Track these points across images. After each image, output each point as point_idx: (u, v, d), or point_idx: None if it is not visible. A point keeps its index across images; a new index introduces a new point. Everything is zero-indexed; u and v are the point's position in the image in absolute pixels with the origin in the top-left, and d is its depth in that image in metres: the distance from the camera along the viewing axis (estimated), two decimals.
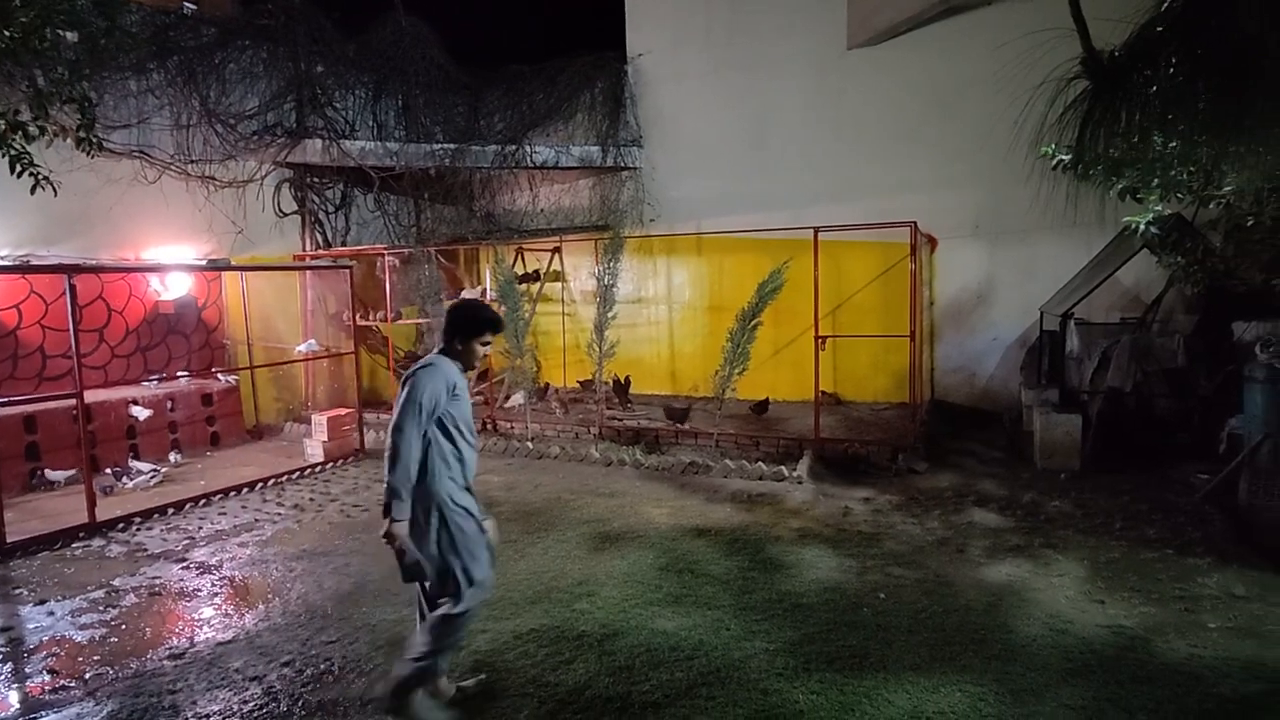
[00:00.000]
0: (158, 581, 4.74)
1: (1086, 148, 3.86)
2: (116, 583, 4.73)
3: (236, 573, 4.87)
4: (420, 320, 9.57)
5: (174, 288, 8.29)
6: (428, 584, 3.06)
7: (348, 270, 8.41)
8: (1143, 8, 3.62)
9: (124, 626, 4.14)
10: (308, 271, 9.57)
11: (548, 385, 9.93)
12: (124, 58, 7.09)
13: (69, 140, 5.38)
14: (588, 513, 5.75)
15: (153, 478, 6.82)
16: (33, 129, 4.88)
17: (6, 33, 4.60)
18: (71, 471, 6.70)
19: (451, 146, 9.55)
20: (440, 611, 2.99)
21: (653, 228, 10.13)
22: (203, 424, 8.19)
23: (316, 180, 9.76)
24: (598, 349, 7.99)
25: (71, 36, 5.66)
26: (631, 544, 5.06)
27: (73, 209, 6.87)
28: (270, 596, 4.47)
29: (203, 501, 6.36)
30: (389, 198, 10.43)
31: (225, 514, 6.07)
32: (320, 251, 9.75)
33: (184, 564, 5.03)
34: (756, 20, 9.53)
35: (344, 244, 10.05)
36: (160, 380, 8.03)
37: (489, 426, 8.37)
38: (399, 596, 4.29)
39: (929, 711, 3.08)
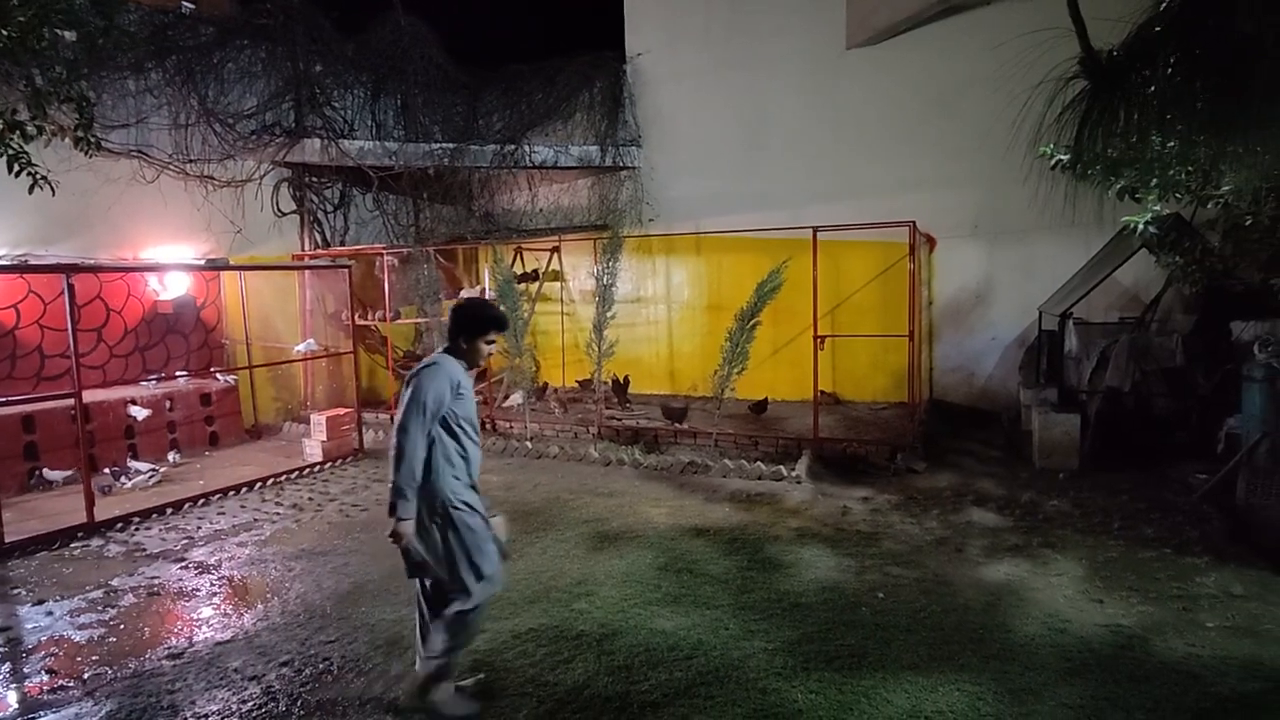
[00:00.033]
0: (156, 581, 4.74)
1: (1085, 147, 3.87)
2: (115, 583, 4.72)
3: (235, 572, 4.87)
4: (419, 320, 9.57)
5: (172, 287, 8.28)
6: (440, 580, 3.06)
7: (346, 270, 8.41)
8: (1141, 7, 3.63)
9: (122, 626, 4.13)
10: (306, 271, 9.56)
11: (546, 385, 9.93)
12: (122, 57, 7.09)
13: (67, 140, 5.37)
14: (586, 512, 5.76)
15: (151, 477, 6.81)
16: (31, 128, 4.88)
17: (4, 32, 4.59)
18: (70, 471, 6.69)
19: (450, 146, 9.55)
20: (453, 609, 3.01)
21: (651, 227, 10.13)
22: (201, 424, 8.18)
23: (315, 180, 9.75)
24: (596, 348, 7.99)
25: (69, 36, 5.66)
26: (630, 544, 5.06)
27: (71, 208, 6.87)
28: (269, 596, 4.47)
29: (201, 501, 6.36)
30: (388, 197, 10.43)
31: (224, 514, 6.07)
32: (319, 251, 9.74)
33: (183, 564, 5.02)
34: (755, 20, 9.53)
35: (343, 243, 10.04)
36: (159, 380, 8.02)
37: (488, 426, 8.37)
38: (398, 596, 4.29)
39: (927, 710, 3.08)
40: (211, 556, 5.14)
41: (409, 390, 2.95)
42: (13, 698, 3.48)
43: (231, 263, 8.35)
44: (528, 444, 7.80)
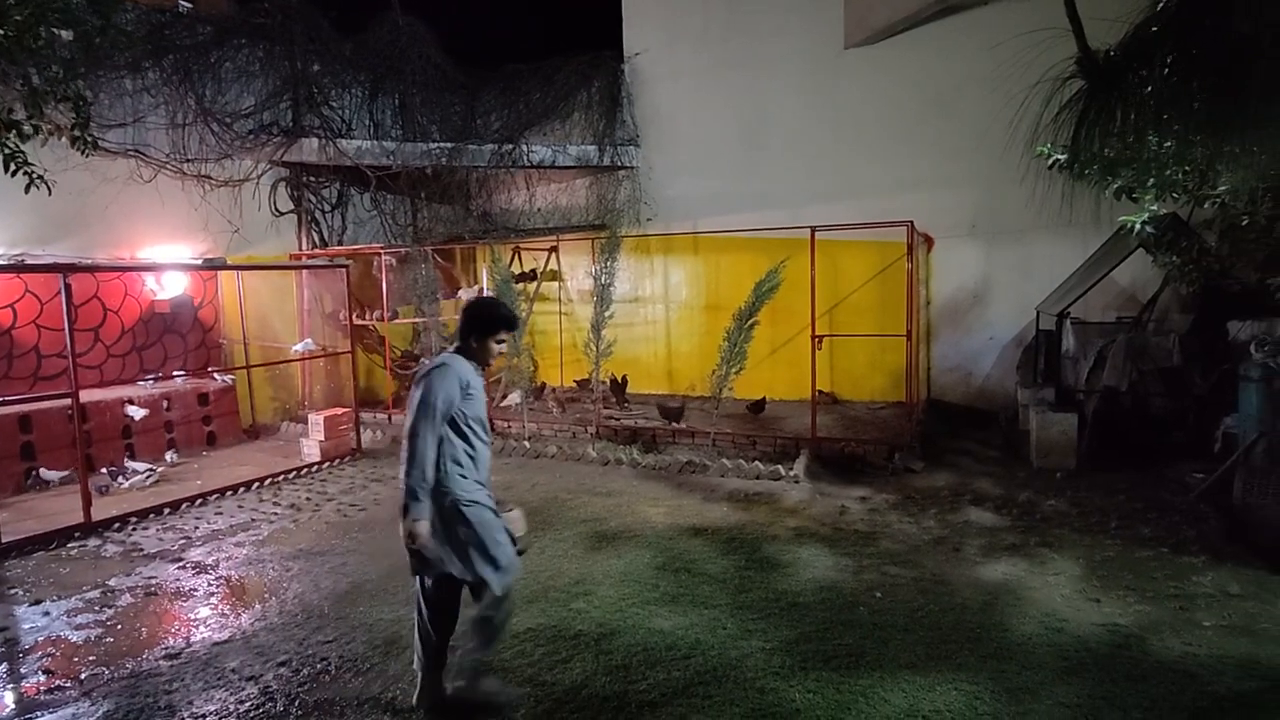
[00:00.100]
0: (154, 581, 4.73)
1: (1082, 147, 3.88)
2: (112, 583, 4.72)
3: (233, 572, 4.86)
4: (417, 320, 9.56)
5: (170, 287, 8.27)
6: (451, 575, 3.08)
7: (344, 269, 8.40)
8: (1138, 8, 3.64)
9: (120, 626, 4.13)
10: (304, 271, 9.55)
11: (544, 384, 9.93)
12: (119, 56, 7.08)
13: (64, 139, 5.36)
14: (585, 512, 5.75)
15: (149, 477, 6.80)
16: (27, 127, 4.86)
17: (1, 30, 4.58)
18: (67, 471, 6.68)
19: (448, 146, 9.55)
20: (478, 613, 3.07)
21: (649, 227, 10.14)
22: (199, 423, 8.17)
23: (313, 179, 9.74)
24: (595, 348, 7.99)
25: (66, 35, 5.65)
26: (628, 543, 5.06)
27: (68, 208, 6.86)
28: (267, 596, 4.46)
29: (199, 501, 6.34)
30: (385, 197, 10.42)
31: (221, 514, 6.06)
32: (316, 251, 9.73)
33: (180, 564, 5.02)
34: (753, 19, 9.54)
35: (340, 243, 10.03)
36: (156, 380, 8.01)
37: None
38: (396, 596, 4.29)
39: (925, 710, 3.09)
40: (209, 556, 5.13)
41: (418, 391, 2.96)
42: (10, 698, 3.47)
43: (229, 262, 8.34)
44: (526, 443, 7.79)
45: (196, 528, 5.73)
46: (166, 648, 3.86)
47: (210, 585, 4.67)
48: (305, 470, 7.27)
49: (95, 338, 7.73)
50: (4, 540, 5.26)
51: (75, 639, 4.00)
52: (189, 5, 8.89)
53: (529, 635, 3.78)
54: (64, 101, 5.13)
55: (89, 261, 7.16)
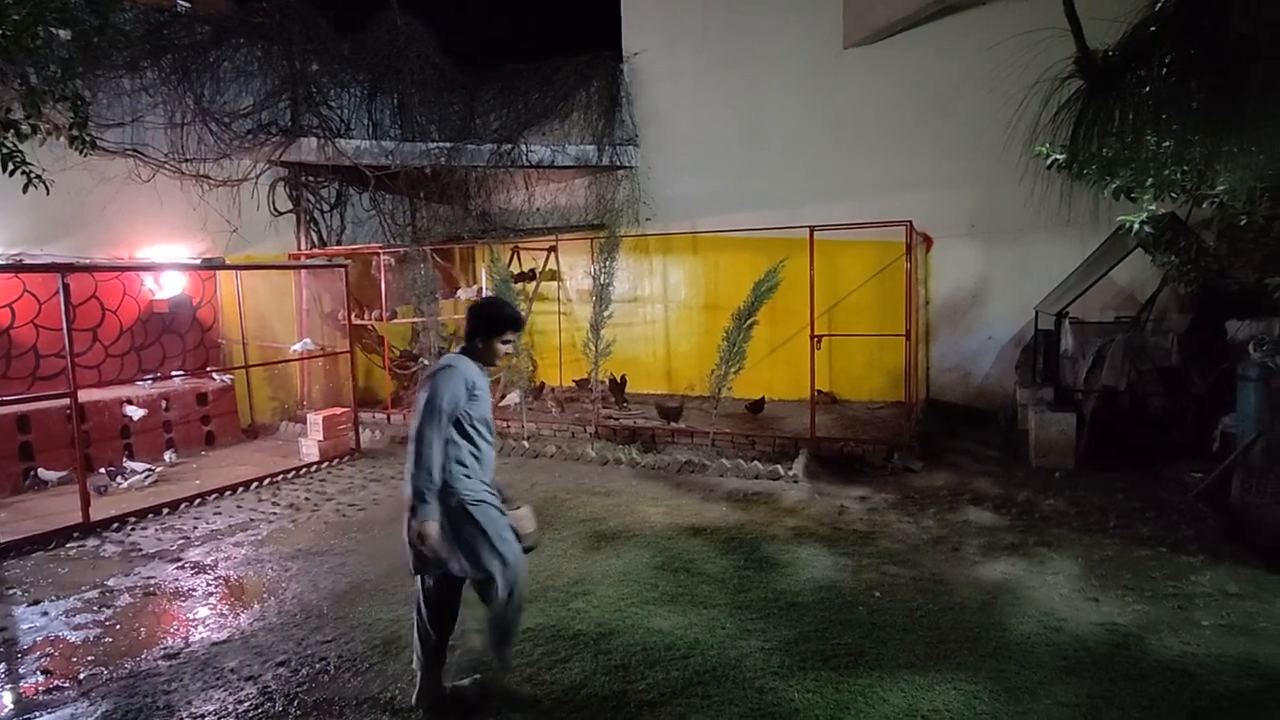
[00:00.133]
0: (152, 581, 4.73)
1: (1081, 147, 3.88)
2: (111, 583, 4.71)
3: (232, 572, 4.86)
4: (415, 319, 9.56)
5: (168, 287, 8.26)
6: (454, 573, 3.09)
7: (343, 269, 8.40)
8: (1136, 7, 3.64)
9: (118, 626, 4.12)
10: (303, 270, 9.54)
11: (543, 384, 9.93)
12: (117, 55, 7.07)
13: (62, 139, 5.35)
14: (584, 512, 5.75)
15: (147, 477, 6.79)
16: (25, 127, 4.86)
17: None
18: (65, 471, 6.68)
19: (447, 145, 9.54)
20: (491, 615, 3.10)
21: (648, 227, 10.13)
22: (198, 423, 8.16)
23: (311, 179, 9.73)
24: (594, 348, 7.99)
25: (64, 34, 5.63)
26: (627, 543, 5.06)
27: (66, 208, 6.85)
28: (265, 596, 4.46)
29: (198, 501, 6.34)
30: (384, 196, 10.41)
31: (220, 513, 6.05)
32: (315, 250, 9.72)
33: (179, 564, 5.01)
34: (752, 19, 9.54)
35: (339, 243, 10.02)
36: (155, 379, 8.00)
37: None
38: (395, 595, 4.29)
39: (924, 709, 3.09)
40: (208, 556, 5.13)
41: (424, 393, 2.96)
42: (8, 698, 3.46)
43: (227, 262, 8.33)
44: (525, 443, 7.79)
45: (195, 528, 5.72)
46: (165, 648, 3.86)
47: (209, 585, 4.67)
48: (304, 470, 7.27)
49: (94, 337, 7.72)
50: (2, 540, 5.26)
51: (74, 639, 3.99)
52: (187, 5, 8.87)
53: (528, 635, 3.78)
54: (62, 101, 5.12)
55: (87, 261, 7.15)
